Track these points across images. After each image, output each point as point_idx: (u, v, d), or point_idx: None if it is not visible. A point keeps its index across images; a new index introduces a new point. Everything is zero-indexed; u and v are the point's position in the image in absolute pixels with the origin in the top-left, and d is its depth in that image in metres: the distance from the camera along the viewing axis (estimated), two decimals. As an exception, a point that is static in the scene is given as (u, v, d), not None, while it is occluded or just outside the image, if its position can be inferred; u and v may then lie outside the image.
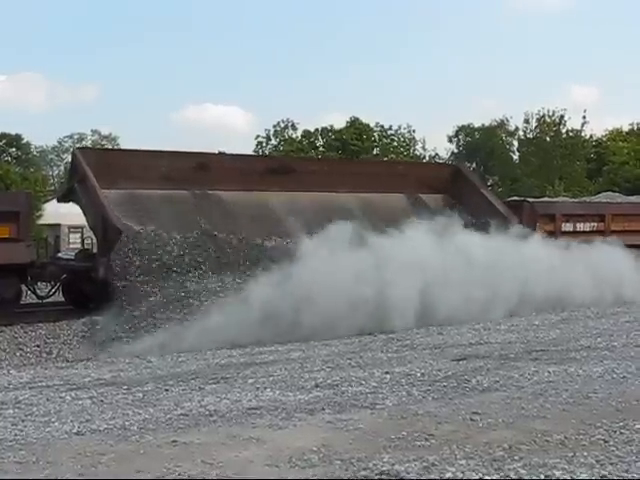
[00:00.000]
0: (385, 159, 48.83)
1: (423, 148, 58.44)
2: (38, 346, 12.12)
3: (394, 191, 15.83)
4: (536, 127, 52.16)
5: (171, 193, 14.93)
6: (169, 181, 14.95)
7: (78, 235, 25.49)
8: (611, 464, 3.83)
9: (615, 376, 6.12)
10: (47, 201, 34.83)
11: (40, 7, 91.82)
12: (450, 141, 59.96)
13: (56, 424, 5.00)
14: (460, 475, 3.69)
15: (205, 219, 14.50)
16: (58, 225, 31.37)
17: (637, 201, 25.96)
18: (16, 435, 4.73)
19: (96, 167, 14.18)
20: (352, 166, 20.24)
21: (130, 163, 14.86)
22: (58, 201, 17.36)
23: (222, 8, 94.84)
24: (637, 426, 4.52)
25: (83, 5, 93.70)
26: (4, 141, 50.57)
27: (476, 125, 58.84)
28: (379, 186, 15.66)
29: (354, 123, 54.91)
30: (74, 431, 4.78)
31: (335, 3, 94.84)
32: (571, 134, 51.32)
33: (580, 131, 51.81)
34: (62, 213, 28.22)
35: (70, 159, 17.77)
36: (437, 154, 57.45)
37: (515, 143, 57.18)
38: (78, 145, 55.72)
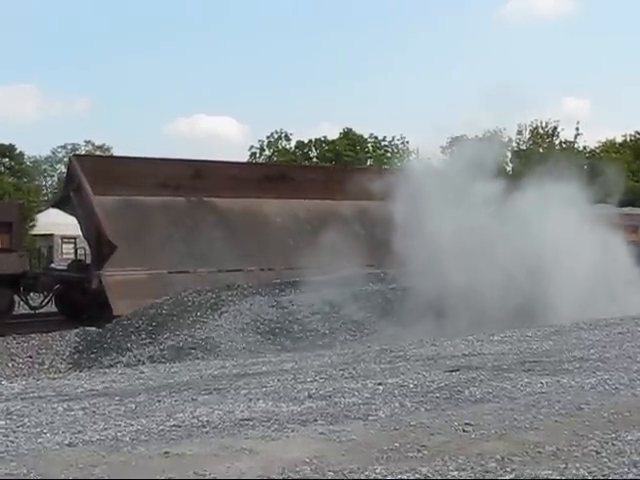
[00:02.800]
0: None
1: (417, 159, 58.62)
2: (30, 357, 12.10)
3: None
4: (529, 138, 52.34)
5: (166, 200, 14.96)
6: (165, 188, 14.98)
7: (71, 245, 25.43)
8: (603, 476, 3.83)
9: (608, 387, 6.11)
10: (40, 211, 34.72)
11: (34, 20, 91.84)
12: (444, 152, 60.15)
13: (48, 435, 4.98)
14: (452, 487, 3.69)
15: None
16: (51, 235, 31.30)
17: (630, 212, 26.18)
18: (7, 446, 4.70)
19: (92, 174, 14.21)
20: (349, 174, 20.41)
21: (126, 170, 14.91)
22: (53, 207, 17.38)
23: (215, 21, 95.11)
24: (629, 437, 4.52)
25: (77, 18, 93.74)
26: (-3, 151, 50.45)
27: (469, 136, 59.05)
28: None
29: (347, 134, 54.98)
30: (66, 442, 4.76)
31: (329, 15, 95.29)
32: (564, 145, 51.51)
33: (573, 142, 52.04)
34: (55, 223, 28.15)
35: (65, 169, 17.82)
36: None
37: (508, 154, 57.37)
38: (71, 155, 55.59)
